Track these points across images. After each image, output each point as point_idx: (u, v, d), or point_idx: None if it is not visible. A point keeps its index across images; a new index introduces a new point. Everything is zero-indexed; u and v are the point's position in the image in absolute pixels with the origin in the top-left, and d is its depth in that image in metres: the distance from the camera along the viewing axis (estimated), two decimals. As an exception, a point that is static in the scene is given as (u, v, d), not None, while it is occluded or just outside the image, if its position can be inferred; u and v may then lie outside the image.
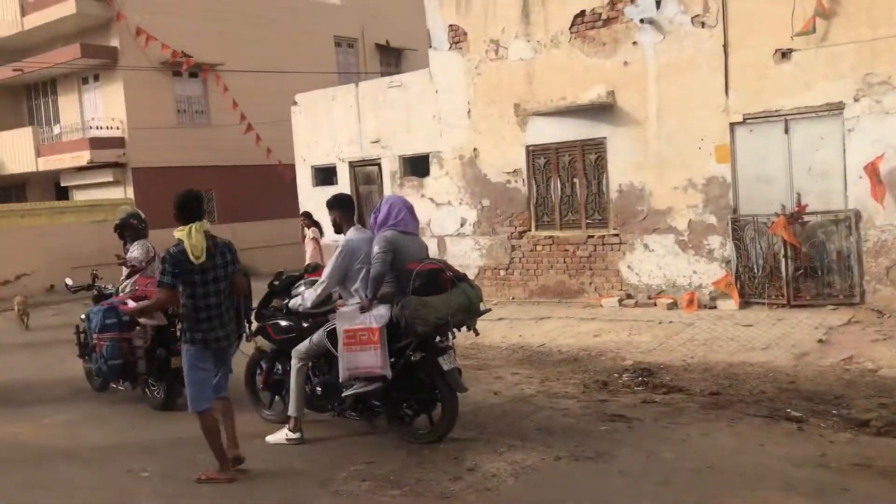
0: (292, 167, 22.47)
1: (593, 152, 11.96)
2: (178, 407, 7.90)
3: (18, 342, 13.07)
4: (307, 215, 14.01)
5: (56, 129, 24.46)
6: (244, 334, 6.19)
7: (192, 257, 5.51)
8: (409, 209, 6.51)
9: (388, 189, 14.37)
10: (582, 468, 5.53)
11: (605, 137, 11.75)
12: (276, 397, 7.25)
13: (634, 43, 11.33)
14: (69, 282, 9.51)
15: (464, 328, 6.25)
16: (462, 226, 13.26)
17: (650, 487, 5.08)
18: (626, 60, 11.43)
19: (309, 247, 13.67)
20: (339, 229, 6.64)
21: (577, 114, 11.89)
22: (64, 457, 6.49)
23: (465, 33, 13.01)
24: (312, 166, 15.92)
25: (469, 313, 6.12)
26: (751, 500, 4.80)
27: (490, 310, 6.56)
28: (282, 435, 6.47)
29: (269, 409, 7.27)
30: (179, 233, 5.60)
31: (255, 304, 6.58)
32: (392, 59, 28.85)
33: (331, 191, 15.50)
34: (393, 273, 6.18)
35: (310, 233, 13.72)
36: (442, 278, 6.01)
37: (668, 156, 11.18)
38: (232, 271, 5.82)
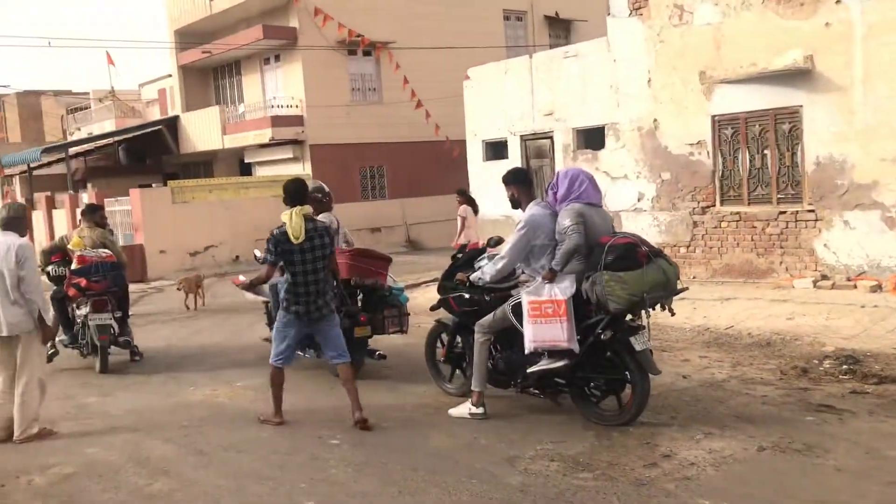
0: (459, 143, 22.59)
1: (786, 122, 11.10)
2: (361, 375, 8.07)
3: (208, 310, 13.86)
4: (461, 192, 14.05)
5: (240, 108, 25.77)
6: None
7: (292, 238, 6.20)
8: (591, 180, 6.22)
9: (560, 163, 14.04)
10: (790, 462, 5.08)
11: (800, 106, 10.87)
12: (457, 370, 7.22)
13: (838, 1, 10.35)
14: (257, 253, 9.89)
15: (657, 307, 5.91)
16: (639, 200, 12.74)
17: (876, 488, 4.58)
18: (827, 21, 10.47)
19: (459, 223, 13.76)
20: (516, 205, 6.45)
21: (770, 80, 11.05)
22: (257, 420, 6.72)
23: (647, -1, 12.41)
24: (483, 141, 15.83)
25: (666, 291, 5.77)
26: None
27: (687, 288, 6.17)
28: (465, 409, 6.40)
29: (449, 382, 7.24)
30: (284, 216, 6.31)
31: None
32: (561, 30, 28.28)
33: (501, 165, 15.37)
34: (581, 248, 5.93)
35: (461, 210, 13.79)
36: (637, 253, 5.69)
37: (875, 125, 10.18)
38: (329, 252, 6.45)
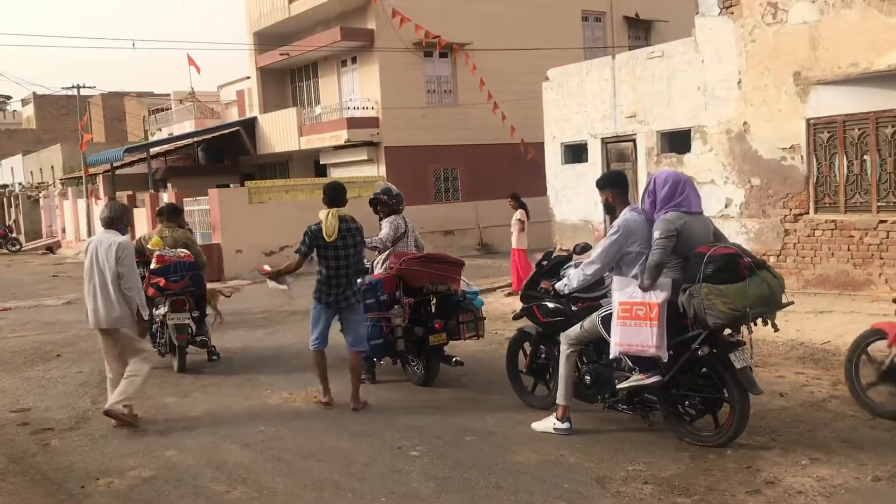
0: (534, 145, 22.28)
1: (889, 125, 10.47)
2: (438, 383, 7.88)
3: (287, 309, 13.88)
4: (514, 196, 13.77)
5: (317, 110, 25.97)
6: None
7: (325, 236, 6.89)
8: (691, 185, 5.85)
9: (642, 167, 13.62)
10: (911, 495, 4.66)
11: (905, 108, 10.25)
12: (540, 382, 6.94)
13: (949, -3, 9.73)
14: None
15: (758, 322, 5.52)
16: (727, 207, 12.23)
17: None
18: (936, 18, 9.85)
19: (515, 228, 13.47)
20: (610, 210, 6.13)
21: (871, 82, 10.45)
22: (334, 427, 6.58)
23: (738, -4, 11.90)
24: (562, 143, 15.48)
25: (769, 305, 5.38)
26: None
27: (793, 302, 5.77)
28: (549, 423, 6.13)
29: (531, 394, 6.97)
30: (322, 214, 6.99)
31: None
32: (641, 31, 27.70)
33: (580, 169, 15.04)
34: (677, 257, 5.59)
35: (517, 214, 13.50)
36: (740, 264, 5.32)
37: None
38: (359, 250, 7.17)
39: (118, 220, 6.99)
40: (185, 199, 20.82)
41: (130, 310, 6.75)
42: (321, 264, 7.03)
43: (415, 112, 23.47)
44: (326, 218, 6.94)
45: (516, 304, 12.45)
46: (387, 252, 8.24)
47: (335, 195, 7.12)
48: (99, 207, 29.15)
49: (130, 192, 27.37)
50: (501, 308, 12.51)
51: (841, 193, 11.01)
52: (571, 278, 6.08)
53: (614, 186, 6.07)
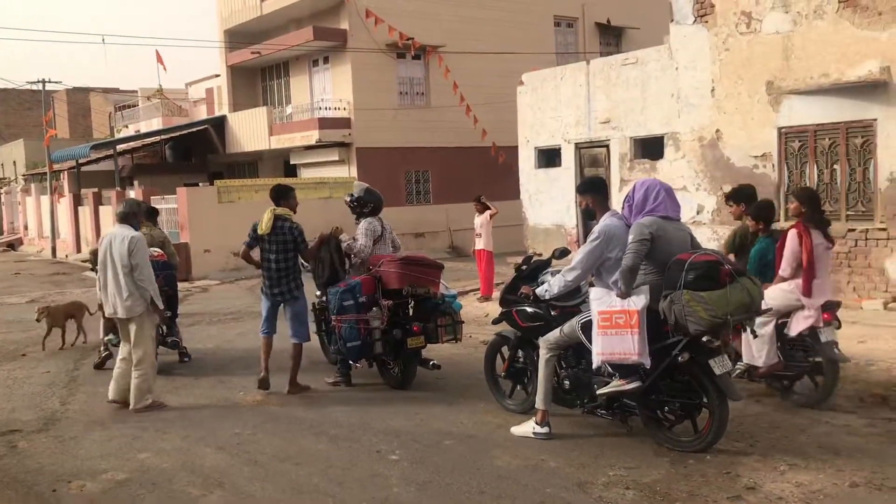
0: (506, 149, 22.36)
1: (859, 136, 10.66)
2: (415, 386, 7.84)
3: (255, 311, 13.71)
4: (478, 199, 13.70)
5: (288, 110, 25.77)
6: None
7: (259, 230, 7.63)
8: (668, 191, 5.87)
9: (616, 172, 13.70)
10: (888, 501, 4.72)
11: (874, 119, 10.43)
12: (518, 386, 6.94)
13: (918, 11, 9.91)
14: (304, 263, 9.71)
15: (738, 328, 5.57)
16: (698, 213, 12.36)
17: None
18: (906, 31, 10.03)
19: (485, 229, 13.36)
20: (591, 215, 6.15)
21: (842, 93, 10.63)
22: (311, 430, 6.51)
23: (713, 5, 12.02)
24: (536, 147, 15.53)
25: (749, 312, 5.42)
26: None
27: (771, 309, 5.82)
28: (528, 428, 6.11)
29: (509, 398, 6.96)
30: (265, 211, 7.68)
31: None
32: (612, 38, 27.92)
33: (554, 173, 15.12)
34: (654, 264, 5.62)
35: (486, 214, 13.38)
36: (720, 272, 5.35)
37: (955, 141, 9.72)
38: (293, 248, 7.69)
39: (132, 215, 7.45)
40: (152, 198, 20.51)
41: (144, 300, 7.17)
42: (261, 258, 7.77)
43: (387, 113, 23.40)
44: (265, 215, 7.65)
45: (489, 307, 12.50)
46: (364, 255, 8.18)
47: (275, 195, 7.83)
48: (62, 205, 28.65)
49: (96, 190, 26.87)
50: (475, 311, 12.50)
51: (811, 202, 11.14)
52: (552, 284, 6.08)
53: (595, 192, 6.09)
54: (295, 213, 7.90)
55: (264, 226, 7.62)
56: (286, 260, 7.69)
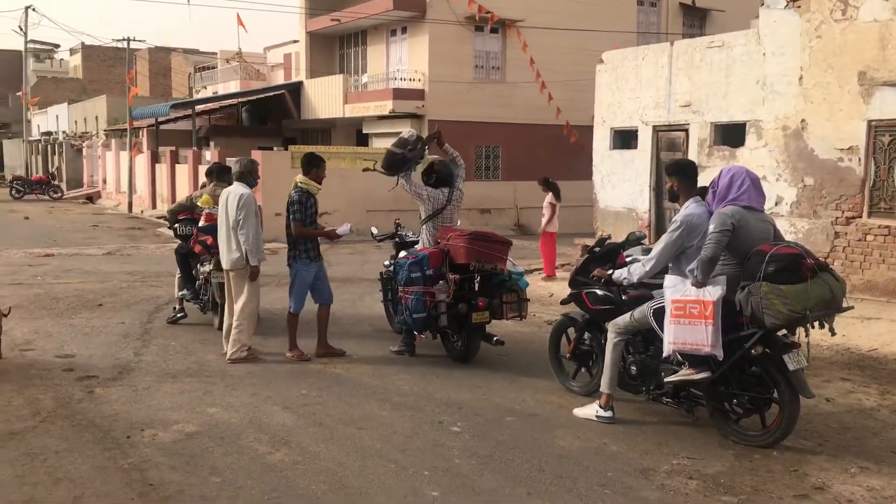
0: (579, 128, 22.07)
1: (954, 133, 10.18)
2: (477, 361, 7.87)
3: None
4: (544, 180, 13.66)
5: (363, 79, 25.89)
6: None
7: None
8: (754, 181, 5.70)
9: (693, 157, 13.35)
10: (964, 513, 4.57)
11: (972, 116, 9.94)
12: (582, 368, 6.90)
13: None
14: (374, 231, 9.83)
15: (815, 325, 5.40)
16: (777, 204, 12.00)
17: None
18: None
19: (546, 211, 13.42)
20: (674, 198, 6.00)
21: (940, 86, 10.15)
22: (375, 396, 6.61)
23: (807, -11, 11.58)
24: (612, 128, 15.27)
25: (829, 309, 5.26)
26: None
27: (853, 307, 5.64)
28: (591, 410, 6.08)
29: (573, 380, 6.93)
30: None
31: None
32: (696, 20, 27.22)
33: (629, 155, 14.85)
34: (733, 254, 5.49)
35: (547, 197, 13.39)
36: (802, 265, 5.20)
37: None
38: (288, 216, 7.81)
39: (247, 174, 7.78)
40: (227, 159, 20.89)
41: (242, 254, 7.55)
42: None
43: (461, 87, 23.31)
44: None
45: (554, 287, 12.44)
46: (429, 224, 8.22)
47: (306, 162, 8.01)
48: (140, 161, 29.43)
49: (173, 148, 27.54)
50: (539, 291, 12.45)
51: (897, 199, 10.75)
52: (633, 272, 5.97)
53: (682, 175, 5.91)
54: (320, 184, 8.02)
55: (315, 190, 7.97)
56: (288, 227, 7.88)
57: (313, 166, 7.94)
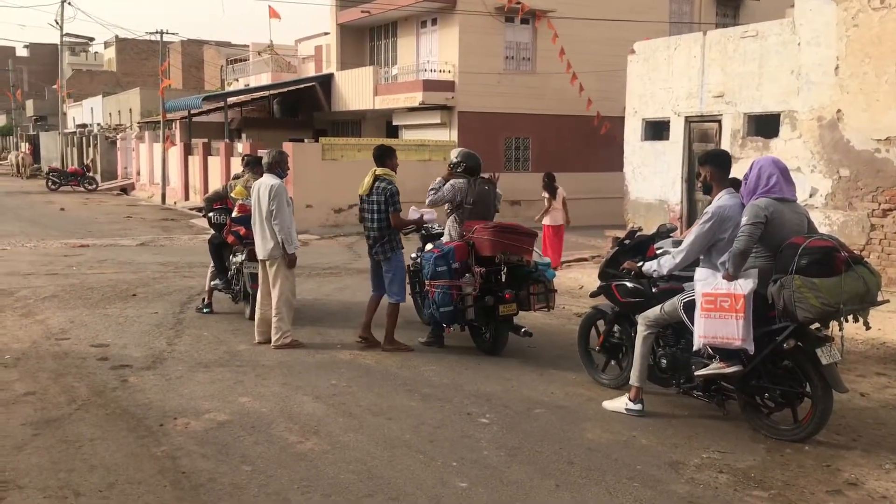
0: (610, 119, 21.89)
1: None
2: (505, 353, 7.87)
3: (353, 267, 14.01)
4: (549, 176, 13.72)
5: (393, 70, 25.89)
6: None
7: (360, 189, 7.91)
8: (783, 171, 5.61)
9: (726, 149, 13.19)
10: None
11: None
12: (612, 361, 6.87)
13: None
14: (416, 213, 9.79)
15: (849, 319, 5.32)
16: (811, 196, 11.83)
17: None
18: None
19: (556, 206, 13.57)
20: (707, 189, 5.92)
21: (981, 76, 9.93)
22: (403, 387, 6.64)
23: (844, -22, 11.37)
24: (644, 119, 15.14)
25: (864, 303, 5.17)
26: None
27: (888, 301, 5.56)
28: (621, 403, 6.06)
29: (602, 373, 6.90)
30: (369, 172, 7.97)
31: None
32: (730, 9, 26.84)
33: (660, 146, 14.71)
34: (766, 246, 5.42)
35: (561, 191, 13.61)
36: (836, 258, 5.12)
37: None
38: (384, 210, 7.75)
39: (277, 164, 7.91)
40: (259, 151, 21.05)
41: (277, 243, 7.72)
42: (361, 217, 8.13)
43: (491, 78, 23.21)
44: (367, 176, 7.92)
45: (584, 279, 12.38)
46: (453, 217, 8.23)
47: (378, 155, 8.03)
48: (173, 153, 29.75)
49: (206, 140, 27.80)
50: (568, 283, 12.40)
51: (936, 191, 10.55)
52: (663, 265, 5.94)
53: (716, 165, 5.83)
54: (395, 173, 7.99)
55: (364, 186, 7.87)
56: (380, 220, 7.80)
57: (387, 157, 7.99)
